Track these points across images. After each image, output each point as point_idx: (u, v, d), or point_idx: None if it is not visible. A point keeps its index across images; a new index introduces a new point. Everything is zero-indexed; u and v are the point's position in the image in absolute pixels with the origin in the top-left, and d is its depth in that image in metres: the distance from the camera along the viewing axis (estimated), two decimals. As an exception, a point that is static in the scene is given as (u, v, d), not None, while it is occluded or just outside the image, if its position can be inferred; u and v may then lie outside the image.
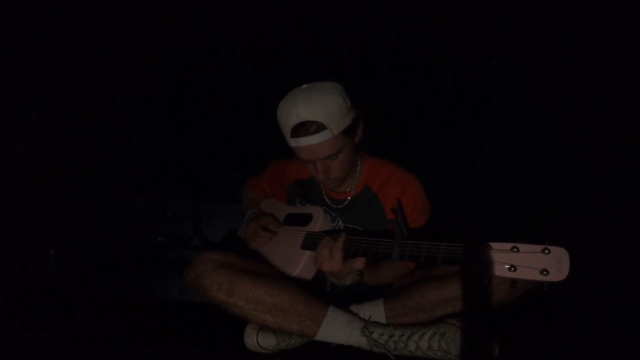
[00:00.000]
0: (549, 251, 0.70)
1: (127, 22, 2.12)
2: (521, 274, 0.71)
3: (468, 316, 1.01)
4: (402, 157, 1.32)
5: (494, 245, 0.76)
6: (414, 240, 0.88)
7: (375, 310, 1.07)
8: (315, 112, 1.02)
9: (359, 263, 1.00)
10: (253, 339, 1.06)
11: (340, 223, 1.26)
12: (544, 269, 0.69)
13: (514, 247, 0.73)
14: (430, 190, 1.27)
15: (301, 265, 1.13)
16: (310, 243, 1.14)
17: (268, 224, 1.31)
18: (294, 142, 1.07)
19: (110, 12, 2.04)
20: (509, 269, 0.72)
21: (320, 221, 1.20)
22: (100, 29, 2.11)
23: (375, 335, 1.00)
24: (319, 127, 1.02)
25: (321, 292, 1.09)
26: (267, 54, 2.43)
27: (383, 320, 1.05)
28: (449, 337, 0.96)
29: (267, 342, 1.06)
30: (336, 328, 1.01)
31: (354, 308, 1.09)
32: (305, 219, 1.24)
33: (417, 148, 2.68)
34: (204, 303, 1.08)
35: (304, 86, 1.10)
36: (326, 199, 1.30)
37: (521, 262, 0.72)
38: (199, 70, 2.47)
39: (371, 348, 1.00)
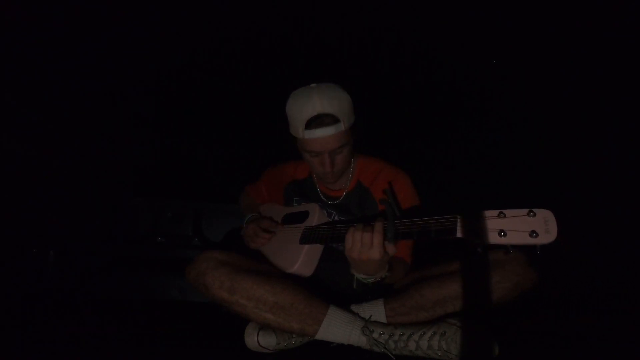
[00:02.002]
0: (534, 214, 0.71)
1: (127, 22, 2.12)
2: (511, 239, 0.72)
3: (468, 316, 1.01)
4: (400, 154, 1.33)
5: (482, 213, 0.77)
6: (405, 219, 0.90)
7: (376, 310, 1.07)
8: (332, 105, 1.08)
9: (391, 248, 0.93)
10: (254, 339, 1.06)
11: (335, 218, 1.28)
12: (533, 231, 0.70)
13: (501, 212, 0.74)
14: (422, 183, 1.30)
15: (300, 260, 1.14)
16: (308, 237, 1.15)
17: (267, 225, 1.32)
18: (307, 134, 1.10)
19: (110, 12, 2.04)
20: (499, 235, 0.73)
21: (316, 216, 1.22)
22: (100, 29, 2.11)
23: (375, 335, 1.00)
24: (334, 120, 1.09)
25: (322, 291, 1.09)
26: (267, 54, 2.43)
27: (383, 320, 1.05)
28: (449, 337, 0.96)
29: (267, 341, 1.06)
30: (336, 327, 1.01)
31: (354, 307, 1.09)
32: (302, 217, 1.26)
33: (416, 147, 2.68)
34: (204, 303, 1.07)
35: (313, 85, 1.14)
36: (322, 196, 1.32)
37: (510, 227, 0.73)
38: (199, 70, 2.47)
39: (371, 347, 1.00)
